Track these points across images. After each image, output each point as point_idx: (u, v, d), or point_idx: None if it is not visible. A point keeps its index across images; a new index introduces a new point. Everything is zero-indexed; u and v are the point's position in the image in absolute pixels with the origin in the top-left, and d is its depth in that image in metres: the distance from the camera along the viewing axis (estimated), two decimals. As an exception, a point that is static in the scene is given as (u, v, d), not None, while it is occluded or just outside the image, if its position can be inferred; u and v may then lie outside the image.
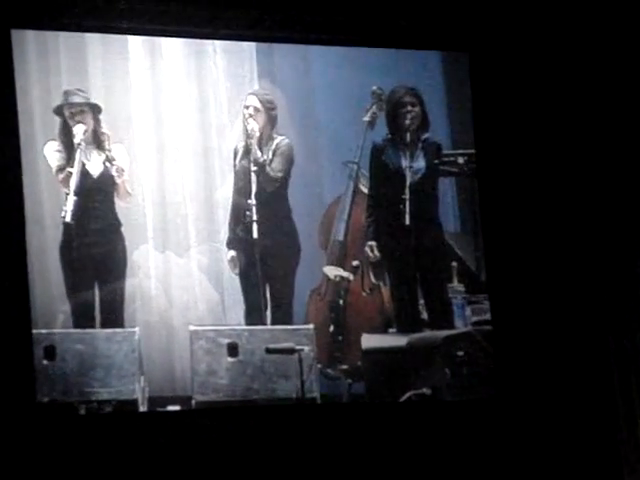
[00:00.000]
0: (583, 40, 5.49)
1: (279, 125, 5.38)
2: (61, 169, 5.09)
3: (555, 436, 5.33)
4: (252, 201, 5.28)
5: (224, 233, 5.29)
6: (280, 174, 5.35)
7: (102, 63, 5.18)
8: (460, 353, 5.37)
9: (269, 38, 5.37)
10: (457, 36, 5.53)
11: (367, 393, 5.34)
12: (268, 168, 5.33)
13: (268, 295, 5.28)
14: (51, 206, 5.06)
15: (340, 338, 5.38)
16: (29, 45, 5.06)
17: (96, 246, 5.11)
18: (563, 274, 5.45)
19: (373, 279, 5.46)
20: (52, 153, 5.08)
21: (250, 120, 5.33)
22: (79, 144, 5.11)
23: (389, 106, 5.45)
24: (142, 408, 5.05)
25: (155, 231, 5.22)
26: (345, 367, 5.35)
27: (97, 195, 5.14)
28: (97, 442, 4.87)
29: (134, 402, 5.04)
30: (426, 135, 5.48)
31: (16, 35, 5.01)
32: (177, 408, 5.11)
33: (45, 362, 4.95)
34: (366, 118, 5.46)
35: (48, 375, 4.94)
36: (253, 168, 5.31)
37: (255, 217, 5.27)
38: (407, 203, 5.42)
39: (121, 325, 5.09)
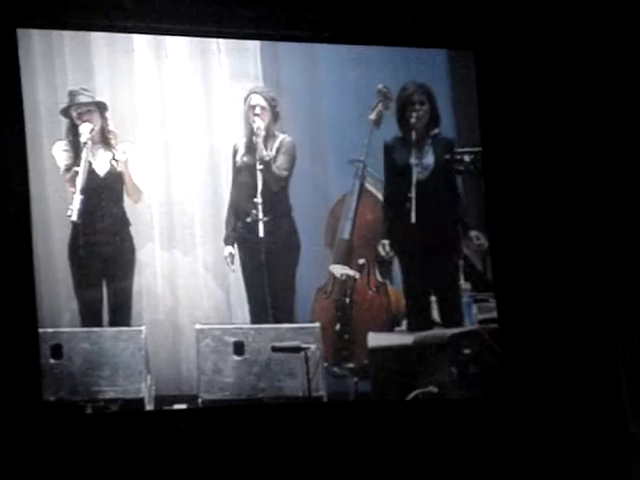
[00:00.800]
0: (588, 37, 5.49)
1: (284, 123, 5.38)
2: (68, 168, 5.10)
3: (562, 434, 5.33)
4: (258, 199, 5.28)
5: (229, 231, 5.32)
6: (285, 172, 5.36)
7: (108, 62, 5.19)
8: (466, 351, 5.37)
9: (274, 36, 5.36)
10: (463, 34, 5.53)
11: (373, 391, 5.34)
12: (273, 166, 5.34)
13: (270, 294, 5.28)
14: (58, 205, 5.06)
15: (346, 336, 5.38)
16: (35, 44, 5.07)
17: (103, 245, 5.12)
18: (570, 272, 5.45)
19: (379, 277, 5.45)
20: (60, 153, 5.09)
21: (256, 118, 5.32)
22: (85, 143, 5.11)
23: (398, 103, 5.45)
24: (149, 407, 5.05)
25: (161, 230, 5.23)
26: (351, 365, 5.35)
27: (104, 194, 5.14)
28: (104, 441, 4.88)
29: (141, 401, 5.04)
30: (436, 131, 5.48)
31: (22, 34, 5.01)
32: (183, 407, 5.11)
33: (52, 361, 4.96)
34: (372, 116, 5.46)
35: (55, 374, 4.95)
36: (259, 166, 5.31)
37: (261, 215, 5.28)
38: (413, 201, 5.42)
39: (128, 324, 5.10)
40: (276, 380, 5.19)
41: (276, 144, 5.35)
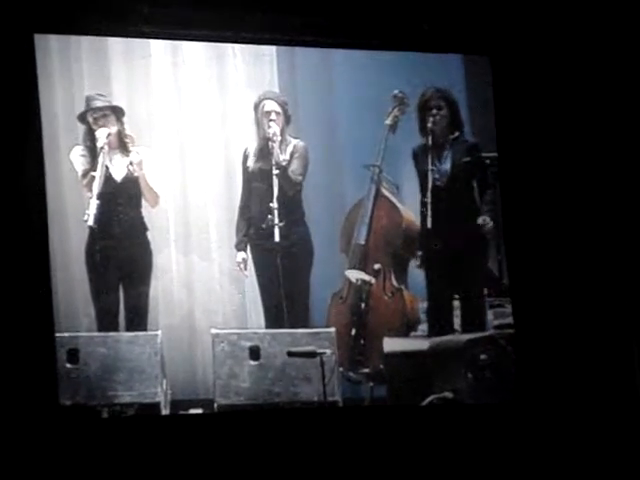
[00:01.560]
0: (604, 44, 5.48)
1: (300, 128, 5.39)
2: (85, 173, 5.11)
3: (577, 440, 5.32)
4: (274, 204, 5.29)
5: (247, 237, 5.33)
6: (300, 177, 5.36)
7: (124, 67, 5.20)
8: (482, 357, 5.36)
9: (290, 42, 5.37)
10: (478, 40, 5.53)
11: (389, 397, 5.34)
12: (289, 171, 5.35)
13: (286, 299, 5.29)
14: (75, 210, 5.07)
15: (362, 342, 5.38)
16: (52, 49, 5.08)
17: (120, 249, 5.13)
18: (586, 277, 5.44)
19: (395, 282, 5.46)
20: (77, 158, 5.10)
21: (272, 124, 5.33)
22: (102, 148, 5.12)
23: (418, 108, 5.46)
24: (165, 411, 5.06)
25: (178, 235, 5.24)
26: (367, 370, 5.35)
27: (121, 198, 5.15)
28: (119, 445, 4.88)
29: (157, 405, 5.05)
30: (455, 135, 5.48)
31: (39, 40, 5.02)
32: (199, 411, 5.12)
33: (68, 365, 4.97)
34: (388, 122, 5.46)
35: (71, 378, 4.95)
36: (275, 171, 5.32)
37: (277, 220, 5.29)
38: (429, 206, 5.42)
39: (144, 328, 5.10)
40: (291, 385, 5.19)
41: (290, 149, 5.36)
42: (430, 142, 5.46)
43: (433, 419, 5.28)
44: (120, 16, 5.12)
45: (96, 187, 5.10)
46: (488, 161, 5.52)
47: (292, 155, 5.35)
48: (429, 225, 5.42)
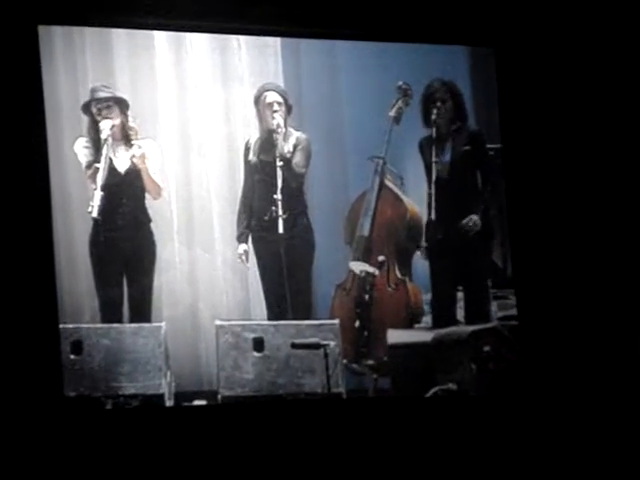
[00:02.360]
0: (610, 37, 5.47)
1: (305, 120, 5.38)
2: (89, 165, 5.11)
3: (581, 432, 5.32)
4: (278, 196, 5.29)
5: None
6: (304, 170, 5.36)
7: (128, 59, 5.19)
8: (486, 348, 5.36)
9: (295, 33, 5.37)
10: (483, 31, 5.52)
11: (393, 388, 5.34)
12: (292, 163, 5.34)
13: (289, 291, 5.29)
14: (79, 202, 5.07)
15: (366, 333, 5.38)
16: (56, 41, 5.07)
17: (124, 241, 5.13)
18: (591, 269, 5.43)
19: (399, 274, 5.46)
20: (81, 149, 5.10)
21: (276, 115, 5.33)
22: (106, 139, 5.12)
23: (422, 100, 5.45)
24: (168, 403, 5.07)
25: (181, 226, 5.24)
26: (371, 362, 5.35)
27: (125, 190, 5.15)
28: (123, 436, 4.89)
29: (161, 397, 5.05)
30: (458, 124, 5.47)
31: (43, 31, 5.02)
32: (203, 403, 5.12)
33: (72, 357, 4.97)
34: (392, 113, 5.45)
35: (75, 369, 4.96)
36: (279, 163, 5.32)
37: (280, 212, 5.28)
38: (432, 198, 5.42)
39: (148, 320, 5.11)
40: (295, 377, 5.20)
41: (292, 141, 5.35)
42: (435, 134, 5.45)
43: (437, 410, 5.28)
44: (124, 7, 5.11)
45: (100, 179, 5.10)
46: (492, 152, 5.52)
47: (295, 147, 5.34)
48: (433, 217, 5.41)
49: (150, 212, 5.17)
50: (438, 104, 5.45)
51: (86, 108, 5.12)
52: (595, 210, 5.48)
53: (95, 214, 5.07)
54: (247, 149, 5.33)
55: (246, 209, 5.30)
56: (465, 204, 5.48)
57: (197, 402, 5.12)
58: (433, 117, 5.45)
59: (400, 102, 5.46)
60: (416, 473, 5.16)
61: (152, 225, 5.17)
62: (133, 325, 5.08)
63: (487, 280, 5.45)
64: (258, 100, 5.33)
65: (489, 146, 5.52)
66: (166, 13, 5.17)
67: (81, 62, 5.13)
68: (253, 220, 5.30)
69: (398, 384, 5.33)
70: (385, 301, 5.43)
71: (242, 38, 5.35)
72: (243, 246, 5.28)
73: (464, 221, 5.41)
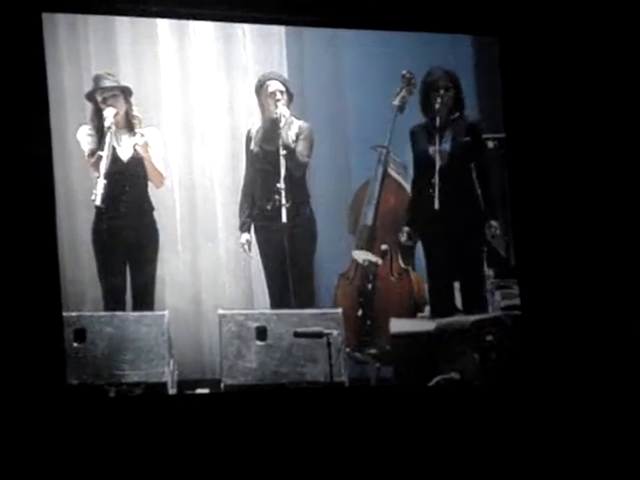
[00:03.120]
0: (615, 24, 5.46)
1: (308, 109, 5.38)
2: (92, 153, 5.11)
3: (583, 423, 5.32)
4: (282, 185, 5.29)
5: (252, 217, 5.32)
6: (307, 159, 5.36)
7: (132, 46, 5.18)
8: (489, 338, 5.36)
9: (299, 22, 5.35)
10: (487, 20, 5.51)
11: (395, 377, 5.34)
12: (296, 152, 5.34)
13: (293, 280, 5.30)
14: (82, 190, 5.07)
15: (368, 322, 5.38)
16: (60, 29, 5.06)
17: (127, 229, 5.13)
18: (593, 259, 5.43)
19: (402, 263, 5.45)
20: (84, 137, 5.10)
21: (279, 104, 5.32)
22: (109, 127, 5.12)
23: (423, 88, 5.44)
24: (171, 391, 5.07)
25: (184, 215, 5.23)
26: (373, 351, 5.35)
27: (128, 179, 5.15)
28: (126, 424, 4.90)
29: (164, 385, 5.06)
30: (457, 114, 5.46)
31: (47, 19, 5.01)
32: (206, 391, 5.13)
33: (75, 345, 4.98)
34: (395, 102, 5.45)
35: (78, 358, 4.96)
36: (282, 152, 5.31)
37: (284, 201, 5.28)
38: (436, 187, 5.41)
39: (151, 309, 5.11)
40: (298, 365, 5.20)
41: (295, 130, 5.35)
42: (438, 123, 5.44)
43: (439, 399, 5.29)
44: (128, -5, 5.11)
45: (103, 167, 5.10)
46: (493, 143, 5.50)
47: (298, 136, 5.34)
48: (437, 206, 5.41)
49: (153, 200, 5.17)
50: (441, 92, 5.43)
51: (90, 96, 5.12)
52: (598, 200, 5.48)
53: (98, 202, 5.07)
54: (249, 138, 5.32)
55: (248, 198, 5.30)
56: (465, 195, 5.47)
57: (200, 390, 5.12)
58: (437, 105, 5.44)
59: (404, 91, 5.45)
60: (418, 462, 5.17)
61: (155, 214, 5.16)
62: (136, 313, 5.08)
63: (483, 269, 5.45)
64: (260, 89, 5.32)
65: (492, 135, 5.52)
66: (170, 1, 5.16)
67: (85, 50, 5.12)
68: (255, 209, 5.30)
69: (401, 373, 5.33)
70: (388, 290, 5.43)
71: (246, 26, 5.34)
72: (245, 235, 5.28)
73: (486, 229, 5.41)
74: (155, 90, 5.21)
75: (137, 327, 5.06)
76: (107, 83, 5.12)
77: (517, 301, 5.44)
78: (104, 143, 5.11)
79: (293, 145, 5.33)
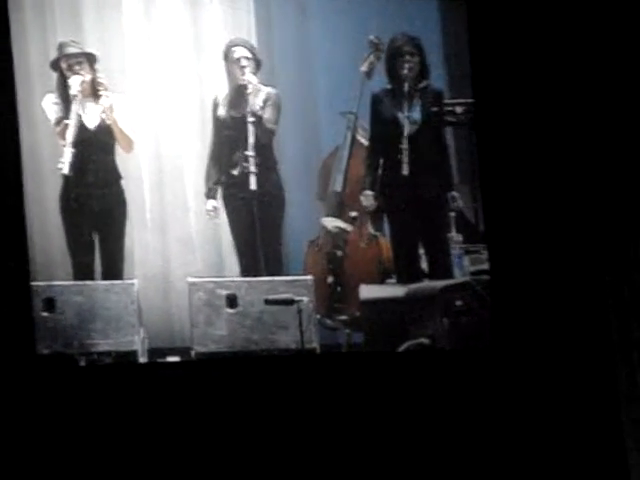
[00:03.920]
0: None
1: (277, 76, 5.36)
2: (59, 122, 5.08)
3: (552, 386, 5.36)
4: (250, 152, 5.27)
5: (219, 185, 5.30)
6: (274, 126, 5.34)
7: (97, 14, 5.16)
8: (458, 303, 5.38)
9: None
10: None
11: (366, 343, 5.36)
12: (263, 119, 5.32)
13: (262, 247, 5.29)
14: (49, 159, 5.06)
15: (339, 289, 5.39)
16: (24, -1, 5.05)
17: (95, 198, 5.12)
18: (561, 222, 5.45)
19: (371, 230, 5.46)
20: (50, 106, 5.07)
21: (245, 70, 5.29)
22: (75, 96, 5.09)
23: (388, 54, 5.42)
24: (142, 359, 5.07)
25: (152, 184, 5.22)
26: (344, 317, 5.36)
27: (95, 147, 5.13)
28: (97, 393, 4.90)
29: (134, 353, 5.06)
30: (425, 83, 5.46)
31: (11, -12, 4.98)
32: (177, 359, 5.13)
33: (44, 314, 4.97)
34: (363, 68, 5.43)
35: (48, 327, 4.96)
36: (250, 119, 5.29)
37: (252, 168, 5.26)
38: (405, 153, 5.41)
39: (120, 277, 5.10)
40: (269, 332, 5.21)
41: (262, 96, 5.32)
42: (405, 89, 5.43)
43: (410, 365, 5.31)
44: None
45: (70, 135, 5.07)
46: (462, 108, 5.50)
47: (265, 102, 5.32)
48: (405, 172, 5.41)
49: (121, 169, 5.15)
50: (407, 57, 5.41)
51: (55, 64, 5.09)
52: (566, 164, 5.49)
53: (66, 171, 5.05)
54: (216, 105, 5.30)
55: (215, 165, 5.28)
56: (433, 161, 5.47)
57: (170, 358, 5.13)
58: (404, 72, 5.42)
59: (372, 56, 5.43)
60: (389, 428, 5.19)
61: (123, 182, 5.14)
62: (105, 282, 5.08)
63: (446, 234, 5.46)
64: (227, 56, 5.29)
65: (460, 101, 5.51)
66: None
67: (50, 19, 5.10)
68: (223, 176, 5.28)
69: (371, 339, 5.35)
70: (358, 257, 5.43)
71: (213, -8, 5.31)
72: (212, 202, 5.26)
73: (449, 199, 5.42)
74: (121, 57, 5.18)
75: (106, 296, 5.05)
76: (72, 50, 5.09)
77: (486, 266, 5.45)
78: (70, 111, 5.08)
79: (260, 112, 5.31)
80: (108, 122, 5.14)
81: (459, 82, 5.53)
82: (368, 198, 5.41)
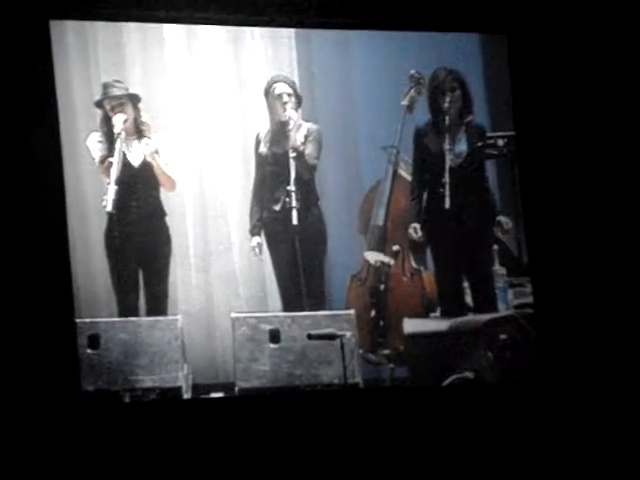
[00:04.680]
0: (624, 22, 5.45)
1: (318, 111, 5.38)
2: (103, 160, 5.12)
3: (598, 420, 5.31)
4: (292, 187, 5.29)
5: (262, 221, 5.32)
6: (316, 161, 5.36)
7: (140, 52, 5.19)
8: (503, 336, 5.36)
9: (307, 24, 5.35)
10: (495, 18, 5.50)
11: (410, 377, 5.34)
12: (305, 155, 5.34)
13: (305, 282, 5.30)
14: (93, 196, 5.08)
15: (381, 323, 5.38)
16: (68, 36, 5.07)
17: (139, 235, 5.13)
18: (606, 255, 5.42)
19: (414, 263, 5.45)
20: (94, 144, 5.11)
21: (287, 107, 5.32)
22: (119, 134, 5.12)
23: (430, 89, 5.44)
24: (186, 395, 5.08)
25: (196, 220, 5.24)
26: (387, 352, 5.35)
27: (139, 184, 5.16)
28: (142, 429, 4.90)
29: (178, 389, 5.07)
30: (469, 118, 5.47)
31: (55, 26, 5.02)
32: (220, 395, 5.14)
33: (89, 351, 4.98)
34: (404, 102, 5.45)
35: (93, 364, 4.97)
36: (292, 154, 5.31)
37: (294, 203, 5.28)
38: (447, 187, 5.41)
39: (164, 313, 5.12)
40: (312, 367, 5.20)
41: (303, 132, 5.35)
42: (447, 123, 5.44)
43: (454, 399, 5.28)
44: (135, 0, 5.10)
45: (114, 173, 5.10)
46: (503, 141, 5.50)
47: (306, 138, 5.34)
48: (447, 205, 5.41)
49: (165, 206, 5.18)
50: (449, 93, 5.44)
51: (99, 104, 5.13)
52: (609, 196, 5.47)
53: (109, 208, 5.07)
54: (258, 141, 5.33)
55: (258, 201, 5.30)
56: (477, 194, 5.46)
57: (214, 394, 5.13)
58: (445, 105, 5.44)
59: (412, 91, 5.45)
60: (434, 462, 5.17)
61: (167, 219, 5.17)
62: (150, 318, 5.09)
63: (491, 268, 5.43)
64: (268, 92, 5.32)
65: (502, 134, 5.51)
66: (178, 6, 5.16)
67: (93, 57, 5.14)
68: (265, 212, 5.30)
69: (415, 373, 5.33)
70: (401, 290, 5.43)
71: (255, 29, 5.33)
72: (256, 238, 5.28)
73: (495, 226, 5.40)
74: (164, 95, 5.22)
75: (151, 332, 5.06)
76: (115, 91, 5.13)
77: (530, 299, 5.43)
78: (114, 149, 5.12)
79: (302, 147, 5.33)
80: (151, 161, 5.18)
81: (500, 114, 5.54)
82: (416, 230, 5.41)
